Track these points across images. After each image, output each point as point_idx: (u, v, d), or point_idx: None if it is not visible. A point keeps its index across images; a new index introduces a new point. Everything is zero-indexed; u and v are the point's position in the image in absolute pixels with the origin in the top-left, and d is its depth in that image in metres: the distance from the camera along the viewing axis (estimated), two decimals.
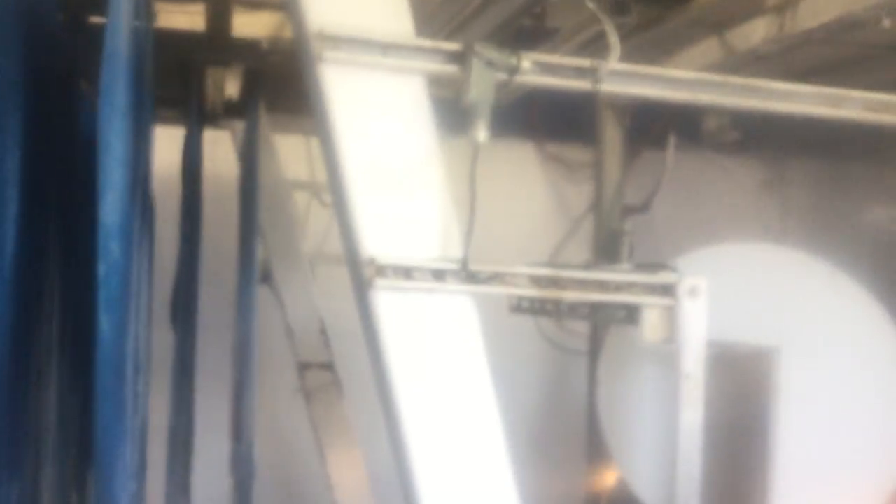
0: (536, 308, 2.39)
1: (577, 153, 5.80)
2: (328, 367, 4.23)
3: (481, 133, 2.17)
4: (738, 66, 3.89)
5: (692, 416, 2.29)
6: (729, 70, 3.13)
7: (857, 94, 2.42)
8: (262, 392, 4.13)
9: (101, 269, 2.07)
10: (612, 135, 5.57)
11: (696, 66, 4.15)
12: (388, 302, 2.24)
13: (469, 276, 2.26)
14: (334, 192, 2.34)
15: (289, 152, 4.38)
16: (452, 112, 2.28)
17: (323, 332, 4.26)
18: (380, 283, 2.20)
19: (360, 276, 2.24)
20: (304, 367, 4.33)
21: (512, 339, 3.88)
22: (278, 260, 4.26)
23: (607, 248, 5.16)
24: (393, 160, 2.23)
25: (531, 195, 5.91)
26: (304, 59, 2.30)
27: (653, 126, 5.48)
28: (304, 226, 4.50)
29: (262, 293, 4.08)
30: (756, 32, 3.68)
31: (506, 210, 5.71)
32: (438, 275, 2.25)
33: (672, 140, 5.48)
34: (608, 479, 3.30)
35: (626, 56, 2.32)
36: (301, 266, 4.28)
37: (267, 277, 4.24)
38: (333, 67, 2.16)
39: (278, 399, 4.73)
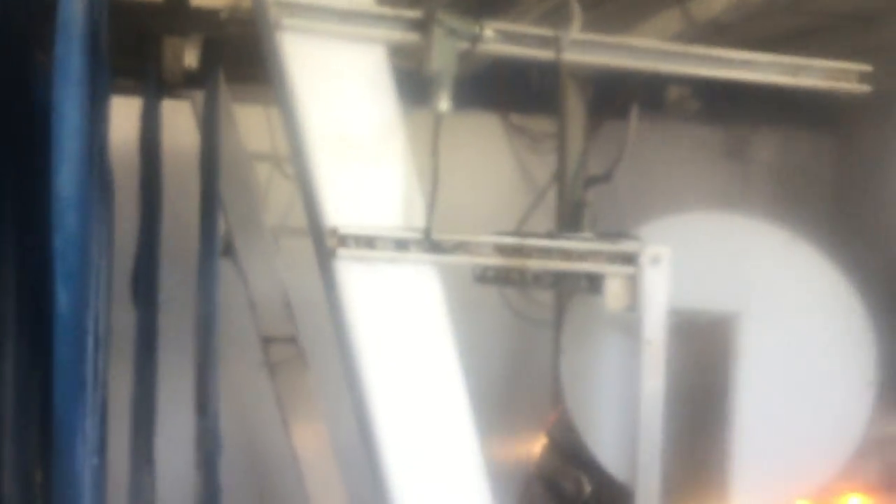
0: (501, 278, 2.39)
1: (541, 124, 5.82)
2: (292, 340, 4.21)
3: (443, 103, 2.16)
4: (700, 36, 3.90)
5: (653, 383, 2.32)
6: (691, 40, 3.14)
7: (816, 62, 2.44)
8: (226, 366, 4.10)
9: (58, 241, 2.04)
10: (574, 106, 5.58)
11: (658, 36, 4.16)
12: (350, 272, 2.23)
13: (432, 245, 2.26)
14: (296, 163, 2.32)
15: (249, 123, 4.33)
16: (417, 83, 2.27)
17: (287, 305, 4.23)
18: (342, 252, 2.20)
19: (323, 246, 2.22)
20: (267, 341, 4.30)
21: (477, 309, 3.91)
22: (240, 232, 4.21)
23: (570, 219, 5.19)
24: (354, 130, 2.21)
25: (496, 166, 5.91)
26: (262, 27, 2.26)
27: (615, 97, 5.49)
28: (266, 198, 4.45)
29: (224, 266, 4.05)
30: (717, 1, 3.69)
31: (471, 181, 5.71)
32: (401, 244, 2.25)
33: (634, 111, 5.52)
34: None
35: (589, 27, 2.31)
36: (264, 239, 4.24)
37: (229, 250, 4.20)
38: (292, 35, 2.13)
39: (243, 373, 4.71)
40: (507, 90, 5.65)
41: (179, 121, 4.15)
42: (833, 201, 6.02)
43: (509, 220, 5.06)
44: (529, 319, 5.23)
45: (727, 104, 5.86)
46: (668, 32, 4.43)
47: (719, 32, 4.26)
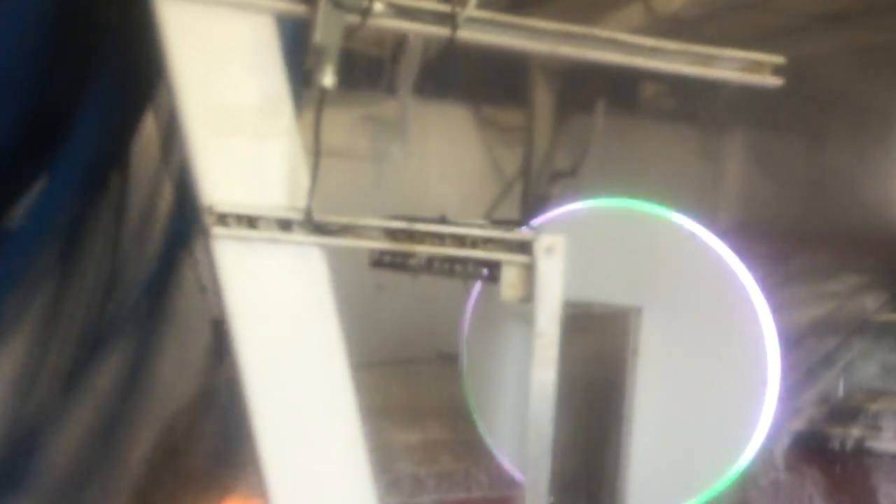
0: (398, 263, 2.33)
1: (511, 116, 5.77)
2: None
3: (328, 78, 2.08)
4: (663, 31, 3.83)
5: (545, 375, 2.25)
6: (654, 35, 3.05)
7: (728, 52, 2.36)
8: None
9: None
10: (542, 99, 5.52)
11: (621, 30, 4.09)
12: (229, 252, 2.16)
13: (316, 227, 2.19)
14: (179, 137, 2.25)
15: None
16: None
17: None
18: (219, 231, 2.13)
19: (202, 225, 2.16)
20: (218, 325, 4.25)
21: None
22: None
23: (535, 212, 5.11)
24: (237, 103, 2.14)
25: (466, 158, 5.87)
26: None
27: (585, 91, 5.43)
28: None
29: None
30: None
31: (440, 172, 5.66)
32: (284, 225, 2.18)
33: (600, 106, 5.44)
34: None
35: (552, 19, 2.25)
36: None
37: None
38: (171, 2, 2.06)
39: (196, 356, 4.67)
40: (478, 82, 5.59)
41: None
42: (805, 202, 5.94)
43: (477, 212, 5.01)
44: None
45: (702, 103, 5.79)
46: (629, 26, 4.36)
47: (684, 29, 4.19)
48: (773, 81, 2.35)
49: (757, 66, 2.37)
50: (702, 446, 2.37)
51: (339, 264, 2.31)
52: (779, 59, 2.34)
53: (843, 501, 3.53)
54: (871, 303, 3.89)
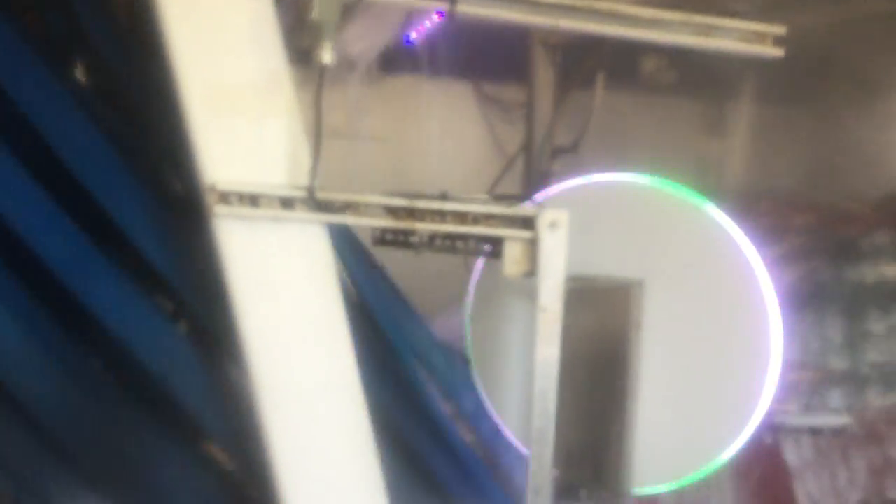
0: (400, 241, 2.32)
1: (513, 93, 5.74)
2: None
3: (326, 55, 2.07)
4: (665, 3, 3.80)
5: (548, 350, 2.26)
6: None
7: (729, 22, 2.34)
8: None
9: None
10: (543, 74, 5.47)
11: (622, 2, 4.05)
12: (232, 231, 2.17)
13: (319, 204, 2.19)
14: (177, 117, 2.24)
15: None
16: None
17: None
18: (222, 210, 2.13)
19: (204, 205, 2.16)
20: None
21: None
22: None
23: (537, 188, 5.09)
24: (236, 81, 2.14)
25: (468, 135, 5.86)
26: None
27: (585, 66, 5.39)
28: None
29: None
30: None
31: (442, 150, 5.64)
32: (287, 202, 2.18)
33: (600, 80, 5.41)
34: None
35: None
36: None
37: None
38: None
39: None
40: (478, 58, 5.57)
41: None
42: (808, 177, 5.91)
43: (480, 189, 5.00)
44: None
45: (704, 77, 5.75)
46: None
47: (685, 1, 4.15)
48: (775, 52, 2.34)
49: (758, 37, 2.35)
50: (705, 419, 2.38)
51: None
52: (780, 30, 2.32)
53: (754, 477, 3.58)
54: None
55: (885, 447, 3.87)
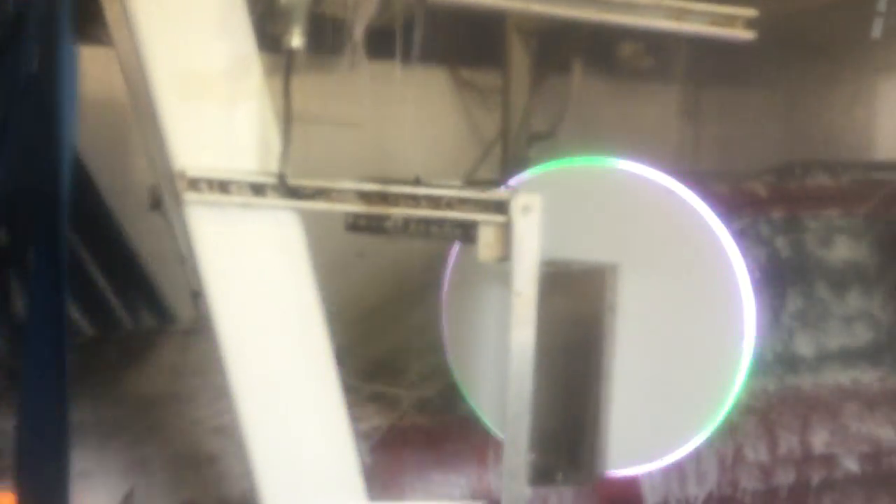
0: (374, 227, 2.31)
1: (489, 79, 5.73)
2: None
3: (296, 39, 2.06)
4: None
5: (523, 334, 2.26)
6: None
7: (700, 6, 2.34)
8: None
9: None
10: (518, 60, 5.47)
11: None
12: (202, 218, 2.15)
13: (290, 190, 2.18)
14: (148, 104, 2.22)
15: None
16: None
17: None
18: (192, 196, 2.12)
19: (174, 191, 2.14)
20: (196, 295, 4.23)
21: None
22: (168, 187, 4.13)
23: (513, 174, 5.10)
24: (205, 66, 2.12)
25: (445, 121, 5.85)
26: None
27: (561, 51, 5.39)
28: None
29: (155, 221, 3.97)
30: None
31: (420, 136, 5.61)
32: (258, 189, 2.16)
33: (578, 66, 5.41)
34: None
35: None
36: None
37: (157, 204, 4.11)
38: None
39: None
40: (454, 44, 5.55)
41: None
42: (779, 157, 5.98)
43: (457, 175, 5.00)
44: None
45: (681, 61, 5.77)
46: None
47: None
48: (746, 35, 2.34)
49: (729, 20, 2.35)
50: (680, 401, 2.39)
51: (319, 231, 2.31)
52: (751, 13, 2.33)
53: None
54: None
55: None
